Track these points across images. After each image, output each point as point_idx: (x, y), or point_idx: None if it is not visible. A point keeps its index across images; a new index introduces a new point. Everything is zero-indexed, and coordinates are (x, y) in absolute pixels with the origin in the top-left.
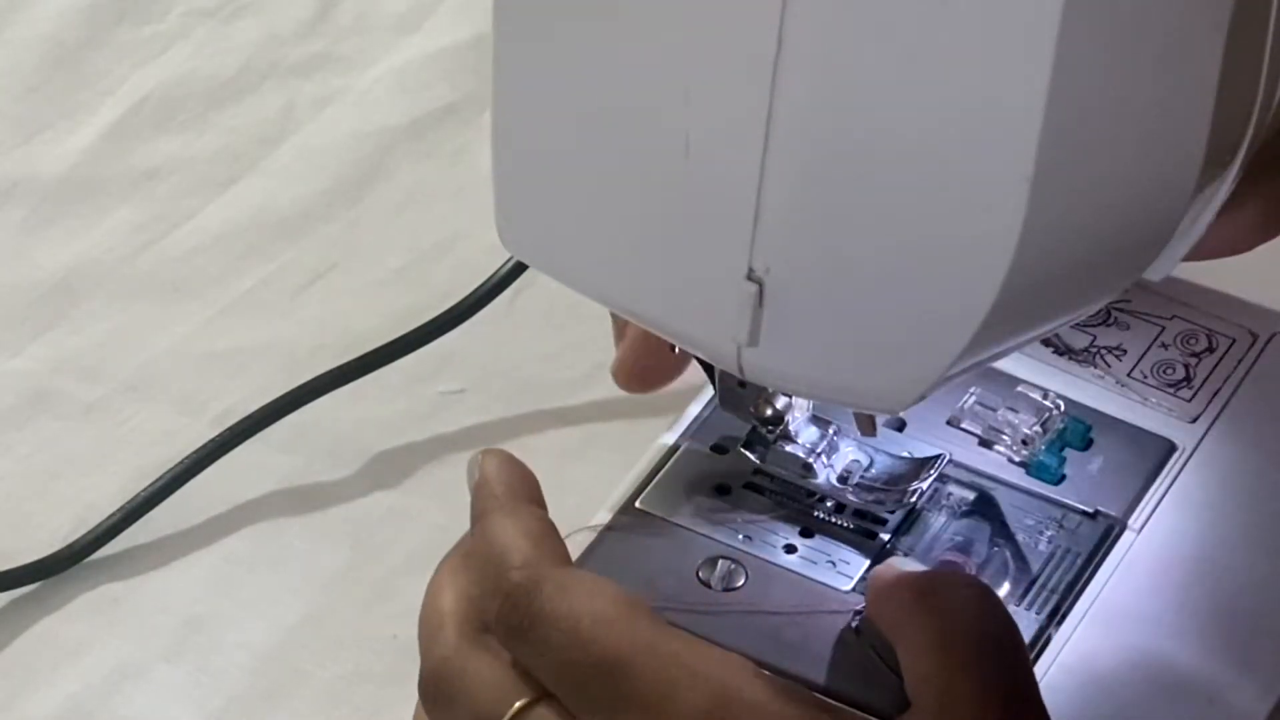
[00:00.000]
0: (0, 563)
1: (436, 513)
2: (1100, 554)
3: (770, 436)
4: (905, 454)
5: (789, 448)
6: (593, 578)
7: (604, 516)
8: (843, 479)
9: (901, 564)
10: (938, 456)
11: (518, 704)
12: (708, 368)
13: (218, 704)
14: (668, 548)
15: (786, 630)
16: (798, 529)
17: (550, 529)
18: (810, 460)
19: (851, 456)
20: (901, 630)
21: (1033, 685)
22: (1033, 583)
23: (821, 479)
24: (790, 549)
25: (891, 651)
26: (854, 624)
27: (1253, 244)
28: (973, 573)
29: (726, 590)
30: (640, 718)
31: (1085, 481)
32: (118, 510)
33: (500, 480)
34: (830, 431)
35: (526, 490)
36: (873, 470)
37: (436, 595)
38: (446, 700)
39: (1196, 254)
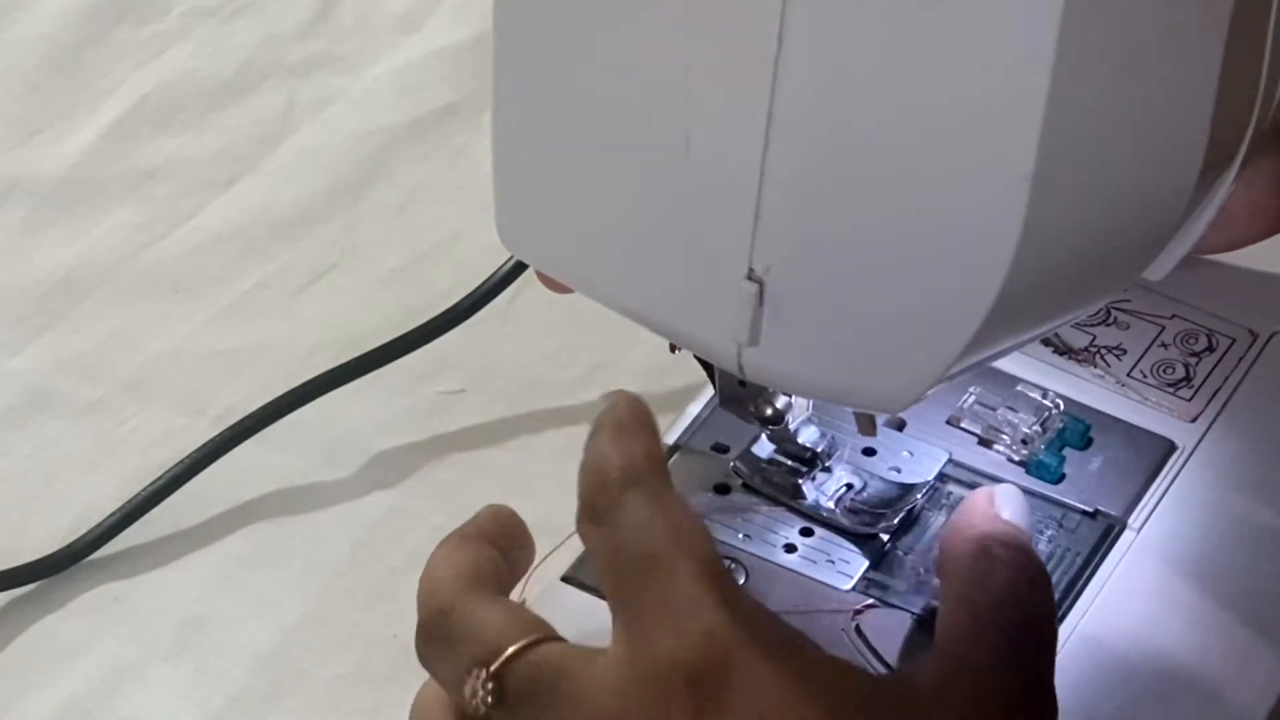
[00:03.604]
0: (0, 563)
1: (436, 513)
2: (1100, 553)
3: (762, 461)
4: (896, 470)
5: (781, 473)
6: (678, 497)
7: None
8: (834, 501)
9: (1007, 499)
10: (925, 481)
11: (521, 642)
12: (708, 367)
13: (218, 704)
14: None
15: None
16: (798, 528)
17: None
18: (800, 482)
19: (845, 480)
20: (948, 577)
21: (1051, 686)
22: None
23: (810, 500)
24: (790, 548)
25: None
26: (854, 624)
27: (1267, 230)
28: None
29: None
30: (655, 602)
31: (1085, 481)
32: (118, 510)
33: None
34: (825, 446)
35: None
36: (864, 494)
37: (435, 566)
38: (446, 641)
39: (1211, 246)
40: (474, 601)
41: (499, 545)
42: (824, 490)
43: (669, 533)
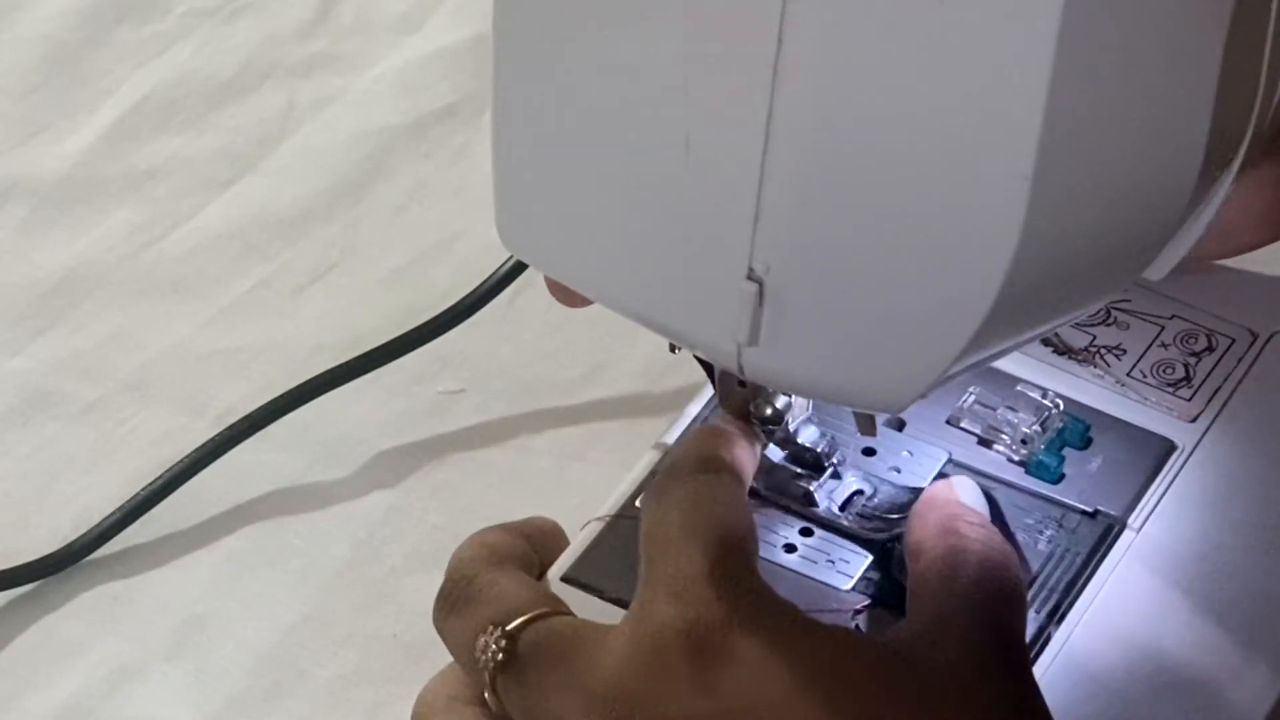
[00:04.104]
0: (0, 563)
1: (436, 513)
2: (1100, 553)
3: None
4: (896, 470)
5: (791, 481)
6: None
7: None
8: (843, 507)
9: (964, 488)
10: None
11: (539, 610)
12: (708, 367)
13: (218, 704)
14: None
15: None
16: (798, 528)
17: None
18: (811, 489)
19: (855, 487)
20: (922, 548)
21: (1024, 641)
22: (1032, 582)
23: (823, 508)
24: (790, 548)
25: None
26: (854, 624)
27: (1268, 238)
28: None
29: None
30: (663, 574)
31: (1085, 481)
32: (118, 510)
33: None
34: (824, 446)
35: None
36: (875, 500)
37: (465, 546)
38: (465, 602)
39: (1213, 253)
40: (497, 572)
41: (531, 542)
42: (836, 497)
43: (700, 513)
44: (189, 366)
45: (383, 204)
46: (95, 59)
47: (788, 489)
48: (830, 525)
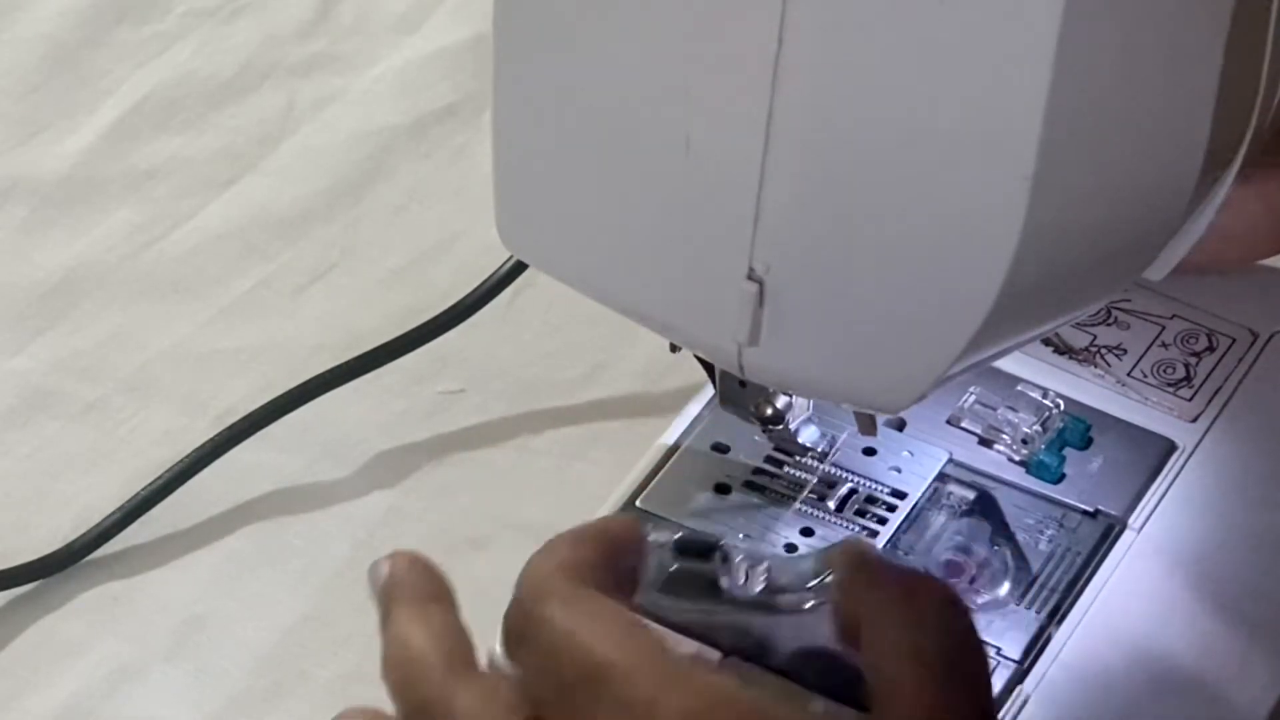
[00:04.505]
0: (0, 563)
1: (436, 513)
2: (1100, 553)
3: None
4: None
5: (693, 585)
6: (598, 597)
7: (607, 514)
8: (747, 587)
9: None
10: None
11: None
12: (708, 367)
13: (218, 704)
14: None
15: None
16: (798, 528)
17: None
18: (720, 579)
19: (745, 566)
20: (876, 625)
21: (993, 713)
22: (1033, 582)
23: (733, 592)
24: (790, 548)
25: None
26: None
27: (1272, 250)
28: (973, 572)
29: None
30: (617, 709)
31: (1085, 481)
32: (118, 510)
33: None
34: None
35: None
36: (772, 573)
37: (402, 646)
38: None
39: (1209, 262)
40: (450, 690)
41: (445, 601)
42: (740, 582)
43: (597, 636)
44: (189, 366)
45: (383, 204)
46: (95, 59)
47: (687, 590)
48: (749, 607)
